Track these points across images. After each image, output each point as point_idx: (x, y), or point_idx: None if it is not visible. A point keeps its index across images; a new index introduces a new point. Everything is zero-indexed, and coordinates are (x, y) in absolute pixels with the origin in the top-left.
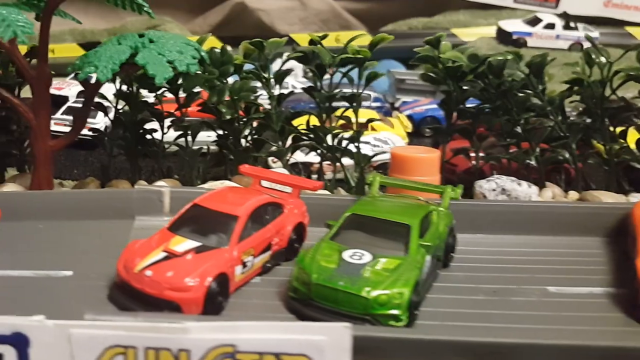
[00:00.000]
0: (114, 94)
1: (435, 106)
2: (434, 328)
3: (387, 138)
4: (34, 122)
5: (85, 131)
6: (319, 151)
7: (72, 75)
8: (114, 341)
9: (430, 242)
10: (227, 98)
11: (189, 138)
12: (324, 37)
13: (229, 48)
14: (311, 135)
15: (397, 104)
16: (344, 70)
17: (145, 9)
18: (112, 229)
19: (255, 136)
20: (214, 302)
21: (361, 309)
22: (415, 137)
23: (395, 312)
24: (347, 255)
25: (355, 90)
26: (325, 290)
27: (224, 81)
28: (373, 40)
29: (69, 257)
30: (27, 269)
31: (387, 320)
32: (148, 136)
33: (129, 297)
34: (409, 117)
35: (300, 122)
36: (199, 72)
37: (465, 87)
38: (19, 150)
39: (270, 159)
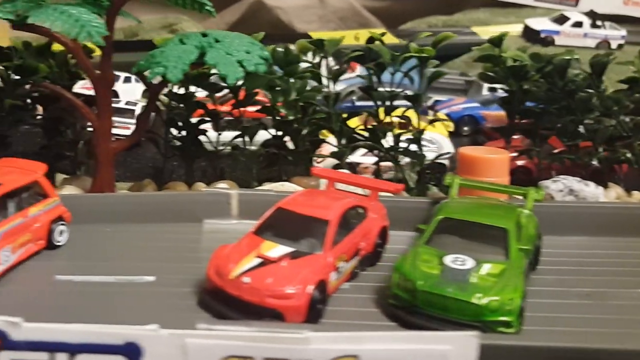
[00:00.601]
0: (166, 95)
1: (472, 105)
2: (541, 334)
3: (432, 137)
4: (96, 124)
5: (121, 131)
6: (375, 152)
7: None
8: (230, 351)
9: (527, 245)
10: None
11: (245, 139)
12: (383, 34)
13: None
14: (366, 135)
15: (428, 103)
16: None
17: (207, 7)
18: (181, 233)
19: (314, 137)
20: (315, 310)
21: (472, 316)
22: (453, 136)
23: (506, 318)
24: (448, 260)
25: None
26: (432, 297)
27: (290, 81)
28: (437, 38)
29: (147, 262)
30: (107, 274)
31: (498, 326)
32: (203, 137)
33: (224, 304)
34: (447, 116)
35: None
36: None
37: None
38: (73, 152)
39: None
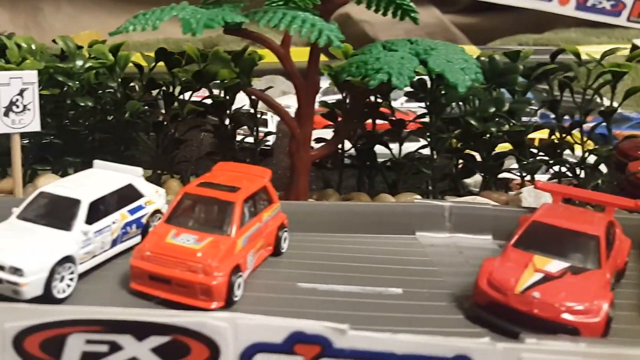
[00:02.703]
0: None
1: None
2: None
3: None
4: (297, 131)
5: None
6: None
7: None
8: None
9: None
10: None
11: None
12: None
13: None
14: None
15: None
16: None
17: (413, 15)
18: (400, 245)
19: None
20: (609, 327)
21: None
22: None
23: None
24: None
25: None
26: None
27: (499, 91)
28: (631, 55)
29: (378, 273)
30: (341, 283)
31: None
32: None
33: (507, 318)
34: None
35: None
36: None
37: None
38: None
39: None
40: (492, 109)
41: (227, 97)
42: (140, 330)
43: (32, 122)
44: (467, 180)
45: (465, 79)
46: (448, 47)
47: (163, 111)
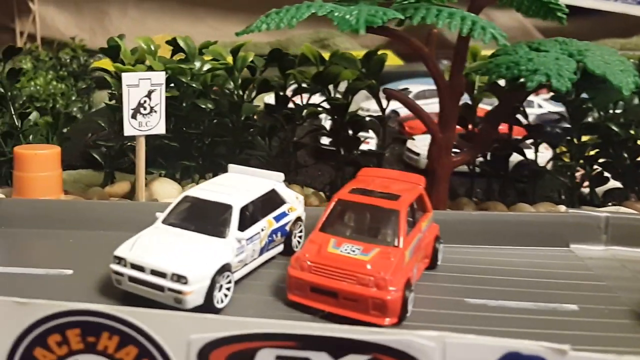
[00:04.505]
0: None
1: None
2: None
3: None
4: (439, 136)
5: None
6: None
7: None
8: None
9: None
10: None
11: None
12: None
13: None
14: None
15: None
16: None
17: (559, 14)
18: (556, 258)
19: None
20: None
21: None
22: None
23: None
24: None
25: None
26: None
27: None
28: None
29: (552, 288)
30: (519, 300)
31: None
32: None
33: None
34: None
35: None
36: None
37: None
38: None
39: None
40: None
41: (347, 100)
42: (338, 347)
43: (158, 124)
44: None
45: (629, 81)
46: (601, 49)
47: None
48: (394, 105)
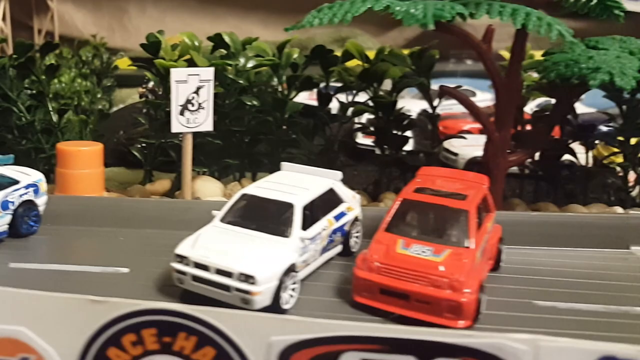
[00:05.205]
0: None
1: None
2: None
3: None
4: (495, 135)
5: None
6: None
7: None
8: None
9: None
10: None
11: None
12: None
13: None
14: None
15: None
16: None
17: (616, 12)
18: (619, 260)
19: None
20: None
21: None
22: None
23: None
24: None
25: None
26: None
27: None
28: None
29: (620, 291)
30: (589, 303)
31: None
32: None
33: None
34: None
35: None
36: None
37: None
38: None
39: None
40: None
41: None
42: (426, 350)
43: (205, 121)
44: None
45: None
46: None
47: None
48: (422, 105)
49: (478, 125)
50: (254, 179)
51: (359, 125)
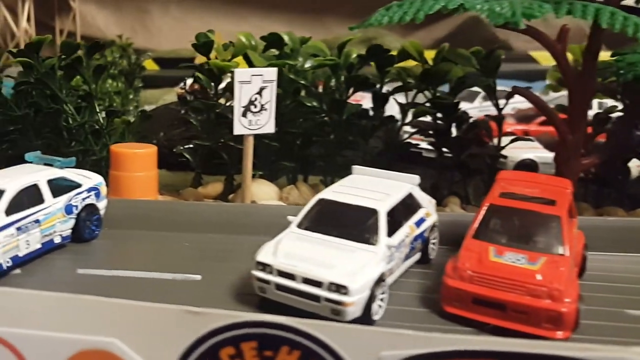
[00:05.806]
0: None
1: None
2: None
3: None
4: (568, 137)
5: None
6: None
7: None
8: None
9: None
10: None
11: None
12: None
13: None
14: None
15: None
16: None
17: None
18: None
19: None
20: None
21: None
22: None
23: None
24: None
25: None
26: None
27: None
28: None
29: None
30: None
31: None
32: None
33: None
34: None
35: None
36: None
37: None
38: None
39: None
40: None
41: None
42: None
43: (267, 123)
44: None
45: None
46: None
47: None
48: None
49: (521, 127)
50: (306, 182)
51: (415, 128)
